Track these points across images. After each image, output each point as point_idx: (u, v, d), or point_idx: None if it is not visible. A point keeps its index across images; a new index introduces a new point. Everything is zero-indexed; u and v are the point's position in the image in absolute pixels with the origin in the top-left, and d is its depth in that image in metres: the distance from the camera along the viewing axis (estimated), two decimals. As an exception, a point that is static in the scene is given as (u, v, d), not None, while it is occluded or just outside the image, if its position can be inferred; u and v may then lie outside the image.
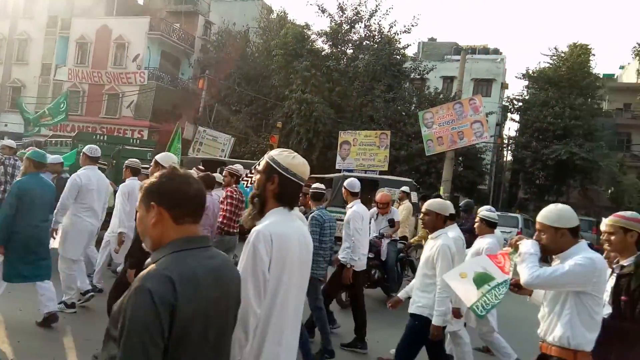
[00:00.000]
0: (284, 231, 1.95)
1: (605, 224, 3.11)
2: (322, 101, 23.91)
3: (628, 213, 3.11)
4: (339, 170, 18.47)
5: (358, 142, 20.93)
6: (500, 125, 33.70)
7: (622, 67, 38.94)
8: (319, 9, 26.59)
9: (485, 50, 36.65)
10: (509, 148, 31.40)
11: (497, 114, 30.59)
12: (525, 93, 28.85)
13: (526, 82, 28.32)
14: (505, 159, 32.72)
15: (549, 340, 2.73)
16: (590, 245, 2.92)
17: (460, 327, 4.60)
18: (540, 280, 2.65)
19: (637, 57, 27.92)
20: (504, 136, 33.36)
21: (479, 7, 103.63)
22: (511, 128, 32.66)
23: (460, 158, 25.89)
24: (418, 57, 30.56)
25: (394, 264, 7.63)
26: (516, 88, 55.64)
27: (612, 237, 3.04)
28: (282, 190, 2.02)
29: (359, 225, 5.43)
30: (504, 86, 34.37)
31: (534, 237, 2.88)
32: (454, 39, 52.71)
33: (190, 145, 22.33)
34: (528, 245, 2.82)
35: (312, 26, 30.10)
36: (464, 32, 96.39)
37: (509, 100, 30.92)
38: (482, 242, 4.90)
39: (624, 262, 2.99)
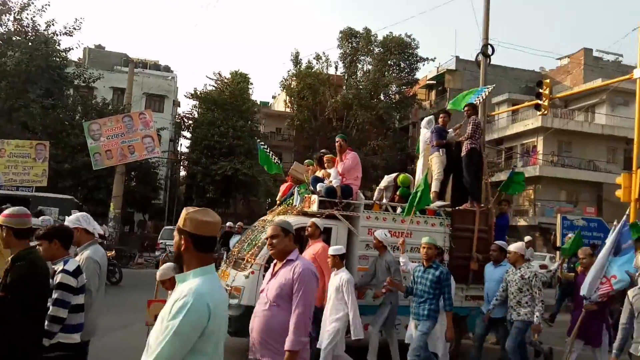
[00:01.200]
0: None
1: None
2: (-48, 101, 19.19)
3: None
4: (-21, 187, 15.13)
5: (7, 152, 17.74)
6: (174, 141, 34.62)
7: (274, 97, 46.20)
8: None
9: (156, 66, 37.10)
10: (182, 163, 32.58)
11: (169, 130, 31.30)
12: (194, 112, 30.52)
13: (195, 102, 30.02)
14: (179, 174, 33.77)
15: None
16: None
17: None
18: None
19: (284, 90, 33.49)
20: (178, 152, 34.42)
21: (150, 22, 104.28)
22: (183, 144, 34.01)
23: (133, 173, 25.26)
24: (84, 63, 28.32)
25: None
26: (188, 106, 58.58)
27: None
28: None
29: None
30: (176, 103, 35.60)
31: None
32: (125, 50, 51.35)
33: None
34: None
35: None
36: (135, 44, 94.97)
37: (180, 117, 32.15)
38: None
39: (9, 258, 3.09)
